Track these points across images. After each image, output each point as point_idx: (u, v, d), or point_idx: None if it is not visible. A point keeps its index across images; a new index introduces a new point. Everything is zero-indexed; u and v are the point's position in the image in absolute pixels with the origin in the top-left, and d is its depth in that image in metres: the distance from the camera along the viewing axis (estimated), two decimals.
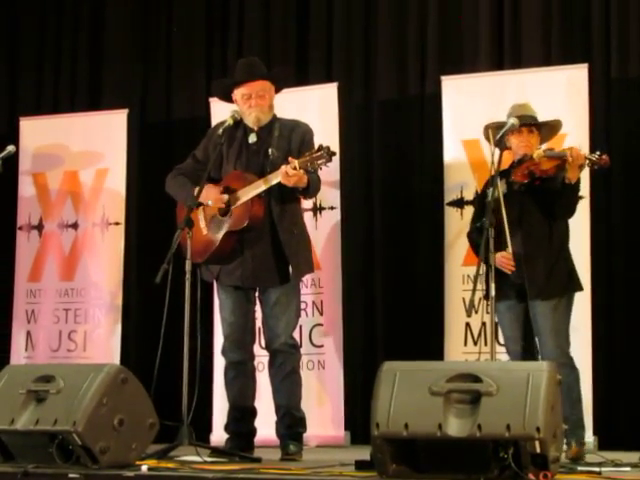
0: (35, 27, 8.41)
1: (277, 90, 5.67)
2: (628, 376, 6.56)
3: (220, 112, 6.29)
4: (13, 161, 7.03)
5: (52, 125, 7.71)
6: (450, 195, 6.65)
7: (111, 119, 7.56)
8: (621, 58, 6.85)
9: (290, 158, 5.30)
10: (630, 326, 6.64)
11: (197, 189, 5.37)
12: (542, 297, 5.31)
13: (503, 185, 5.39)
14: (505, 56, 7.11)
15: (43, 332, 7.51)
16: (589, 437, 5.85)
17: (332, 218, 6.84)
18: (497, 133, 5.30)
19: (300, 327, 6.37)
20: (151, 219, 7.66)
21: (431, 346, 6.58)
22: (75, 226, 7.53)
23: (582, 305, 5.85)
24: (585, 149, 5.82)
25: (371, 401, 4.01)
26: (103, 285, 7.38)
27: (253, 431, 5.59)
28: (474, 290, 4.96)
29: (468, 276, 6.34)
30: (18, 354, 7.52)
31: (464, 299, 6.29)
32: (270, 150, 5.51)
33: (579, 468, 4.50)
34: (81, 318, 7.43)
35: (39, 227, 7.62)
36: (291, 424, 5.53)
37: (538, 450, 3.78)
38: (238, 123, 5.57)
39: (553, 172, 5.30)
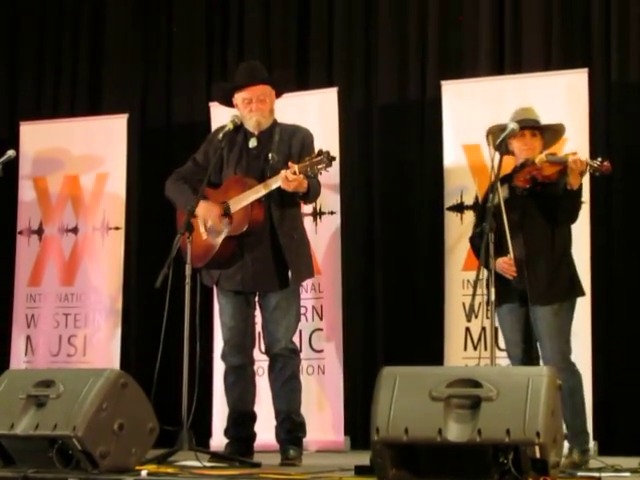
0: (35, 28, 8.40)
1: (278, 95, 5.67)
2: (628, 381, 6.56)
3: (220, 117, 6.29)
4: (13, 165, 7.03)
5: (52, 129, 7.72)
6: (450, 200, 6.65)
7: (111, 123, 7.56)
8: (621, 62, 6.85)
9: (290, 163, 5.31)
10: (630, 331, 6.64)
11: (196, 197, 5.36)
12: (543, 302, 5.30)
13: (506, 190, 5.39)
14: (505, 61, 7.12)
15: (43, 336, 7.51)
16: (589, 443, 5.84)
17: (332, 223, 6.85)
18: (498, 137, 5.29)
19: (300, 332, 6.36)
20: (151, 224, 7.66)
21: (431, 351, 6.58)
22: (75, 230, 7.53)
23: (582, 310, 5.84)
24: (585, 153, 5.81)
25: (371, 406, 4.00)
26: (103, 289, 7.38)
27: (253, 436, 5.59)
28: (474, 295, 4.96)
29: (468, 281, 6.34)
30: (18, 358, 7.51)
31: (464, 304, 6.29)
32: (270, 155, 5.51)
33: (579, 473, 4.50)
34: (81, 322, 7.43)
35: (39, 231, 7.62)
36: (291, 429, 5.52)
37: (538, 455, 3.77)
38: (238, 127, 5.58)
39: (555, 177, 5.29)
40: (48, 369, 6.25)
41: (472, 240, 5.67)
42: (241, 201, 5.40)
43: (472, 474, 3.87)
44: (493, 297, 5.02)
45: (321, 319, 6.81)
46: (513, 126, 5.28)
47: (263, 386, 5.82)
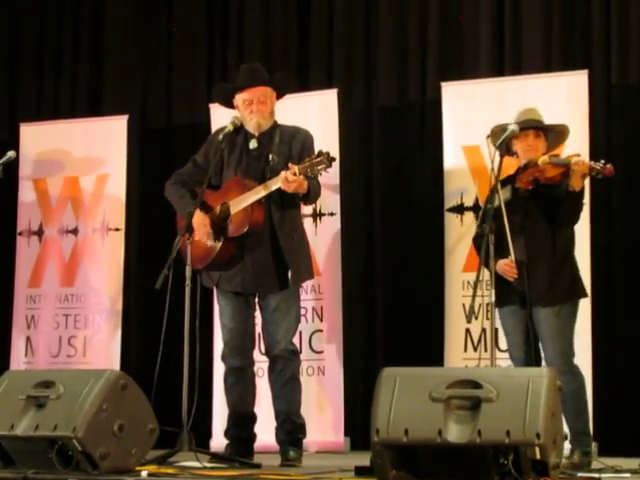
0: (35, 28, 8.41)
1: (279, 96, 5.67)
2: (628, 382, 6.56)
3: (220, 118, 6.29)
4: (13, 166, 7.04)
5: (52, 131, 7.72)
6: (450, 201, 6.65)
7: (111, 125, 7.56)
8: (621, 64, 6.85)
9: (290, 164, 5.31)
10: (630, 331, 6.64)
11: (195, 203, 5.37)
12: (544, 303, 5.29)
13: (508, 191, 5.39)
14: (505, 62, 7.12)
15: (43, 337, 7.50)
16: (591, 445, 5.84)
17: (332, 224, 6.84)
18: (499, 137, 5.29)
19: (300, 333, 6.36)
20: (151, 225, 7.66)
21: (431, 352, 6.57)
22: (75, 232, 7.53)
23: (582, 310, 5.82)
24: (585, 155, 5.81)
25: (371, 407, 4.00)
26: (103, 291, 7.38)
27: (253, 437, 5.59)
28: (474, 296, 4.95)
29: (468, 282, 6.34)
30: (18, 359, 7.51)
31: (464, 305, 6.29)
32: (271, 156, 5.51)
33: (579, 474, 4.50)
34: (81, 324, 7.43)
35: (39, 233, 7.62)
36: (291, 430, 5.52)
37: (538, 456, 3.78)
38: (239, 129, 5.58)
39: (558, 179, 5.28)
40: (48, 370, 6.25)
41: (475, 240, 5.66)
42: (241, 202, 5.40)
43: (472, 475, 3.87)
44: (493, 298, 5.02)
45: (321, 320, 6.81)
46: (513, 127, 5.28)
47: (263, 387, 5.82)
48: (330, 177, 6.06)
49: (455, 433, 3.84)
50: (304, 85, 7.36)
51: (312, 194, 5.46)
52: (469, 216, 6.54)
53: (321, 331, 6.81)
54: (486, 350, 6.02)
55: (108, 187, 7.45)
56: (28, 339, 7.55)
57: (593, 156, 5.68)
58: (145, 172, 7.79)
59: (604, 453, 5.81)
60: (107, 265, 7.41)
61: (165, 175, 5.82)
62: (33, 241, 7.63)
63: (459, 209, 6.62)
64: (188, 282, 5.12)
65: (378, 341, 7.20)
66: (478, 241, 5.48)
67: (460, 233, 6.54)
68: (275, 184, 5.34)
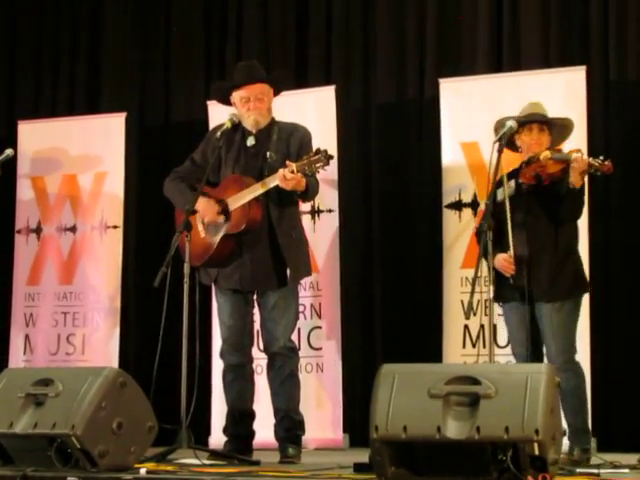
0: (33, 27, 8.40)
1: (276, 93, 5.67)
2: (627, 378, 6.56)
3: (218, 115, 6.29)
4: (12, 165, 7.05)
5: (50, 129, 7.71)
6: (448, 198, 6.65)
7: (109, 122, 7.56)
8: (619, 61, 6.85)
9: (288, 162, 5.31)
10: (629, 328, 6.64)
11: (195, 195, 5.36)
12: (546, 299, 5.29)
13: (512, 185, 5.37)
14: (503, 59, 7.11)
15: (42, 335, 7.50)
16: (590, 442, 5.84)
17: (330, 221, 6.84)
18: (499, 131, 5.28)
19: (299, 330, 6.36)
20: (149, 222, 7.66)
21: (430, 348, 6.58)
22: (74, 229, 7.53)
23: (581, 307, 5.84)
24: (584, 151, 5.80)
25: (370, 404, 4.01)
26: (102, 288, 7.38)
27: (252, 434, 5.59)
28: (472, 292, 4.95)
29: (467, 278, 6.34)
30: (16, 357, 7.51)
31: (462, 301, 6.30)
32: (268, 153, 5.51)
33: (578, 470, 4.50)
34: (79, 321, 7.43)
35: (37, 230, 7.62)
36: (290, 427, 5.52)
37: (537, 452, 3.78)
38: (236, 126, 5.58)
39: (559, 175, 5.28)
40: (47, 368, 6.24)
41: (477, 233, 5.63)
42: (239, 200, 5.40)
43: (471, 471, 3.87)
44: (492, 294, 5.01)
45: (320, 317, 6.81)
46: (511, 123, 5.26)
47: (262, 384, 5.82)
48: (329, 173, 6.05)
49: (454, 429, 3.84)
50: (302, 82, 7.36)
51: (310, 192, 5.46)
52: (467, 212, 6.54)
53: (320, 328, 6.81)
54: (485, 346, 6.01)
55: (106, 185, 7.45)
56: (27, 337, 7.55)
57: (591, 153, 5.67)
58: (143, 170, 7.79)
59: (603, 449, 5.83)
60: (105, 263, 7.40)
61: (163, 173, 5.82)
62: (31, 239, 7.63)
63: (457, 206, 6.62)
64: (187, 279, 5.12)
65: (377, 338, 7.21)
66: (480, 236, 5.48)
67: (458, 230, 6.55)
68: (273, 182, 5.34)
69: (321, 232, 6.83)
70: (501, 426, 3.78)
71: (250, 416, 5.58)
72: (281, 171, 5.28)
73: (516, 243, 5.25)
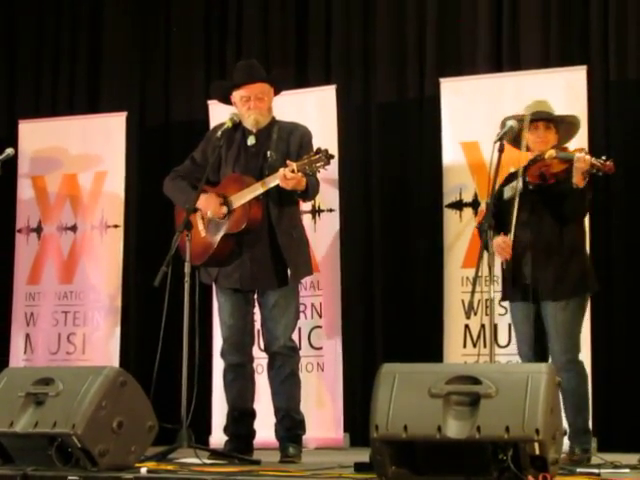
0: (33, 27, 8.40)
1: (276, 92, 5.67)
2: (627, 378, 6.56)
3: (218, 115, 6.29)
4: (12, 164, 7.05)
5: (51, 128, 7.71)
6: (449, 197, 6.65)
7: (110, 122, 7.56)
8: (620, 60, 6.84)
9: (288, 161, 5.30)
10: (630, 327, 6.64)
11: (195, 194, 5.36)
12: (551, 298, 5.29)
13: (519, 183, 5.36)
14: (504, 58, 7.11)
15: (42, 335, 7.51)
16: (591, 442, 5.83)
17: (331, 220, 6.84)
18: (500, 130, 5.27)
19: (299, 329, 6.36)
20: (150, 222, 7.66)
21: (430, 348, 6.58)
22: (74, 229, 7.53)
23: (586, 308, 5.84)
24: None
25: (370, 403, 4.01)
26: (102, 288, 7.38)
27: (252, 433, 5.59)
28: (473, 292, 4.95)
29: (467, 278, 6.34)
30: (17, 357, 7.51)
31: (463, 301, 6.30)
32: (269, 153, 5.51)
33: (578, 470, 4.50)
34: (80, 321, 7.43)
35: (38, 230, 7.62)
36: (290, 426, 5.52)
37: (537, 452, 3.78)
38: (237, 125, 5.57)
39: (563, 175, 5.27)
40: (47, 367, 6.25)
41: (480, 229, 5.61)
42: (239, 199, 5.40)
43: (471, 471, 3.87)
44: (493, 294, 5.01)
45: (320, 316, 6.81)
46: (512, 123, 5.25)
47: (262, 384, 5.82)
48: (329, 172, 6.04)
49: (454, 429, 3.84)
50: (302, 81, 7.36)
51: (310, 191, 5.46)
52: (468, 212, 6.54)
53: (320, 327, 6.81)
54: (485, 346, 6.00)
55: (106, 184, 7.45)
56: (27, 336, 7.55)
57: (592, 153, 5.66)
58: (143, 169, 7.79)
59: (603, 449, 5.82)
60: (106, 262, 7.41)
61: (163, 172, 5.82)
62: (32, 238, 7.63)
63: (458, 205, 6.62)
64: (187, 279, 5.13)
65: (377, 337, 7.20)
66: (481, 235, 5.47)
67: (459, 229, 6.54)
68: (273, 181, 5.34)
69: (322, 231, 6.83)
70: (502, 426, 3.78)
71: (251, 415, 5.59)
72: (281, 170, 5.28)
73: (521, 238, 5.24)
